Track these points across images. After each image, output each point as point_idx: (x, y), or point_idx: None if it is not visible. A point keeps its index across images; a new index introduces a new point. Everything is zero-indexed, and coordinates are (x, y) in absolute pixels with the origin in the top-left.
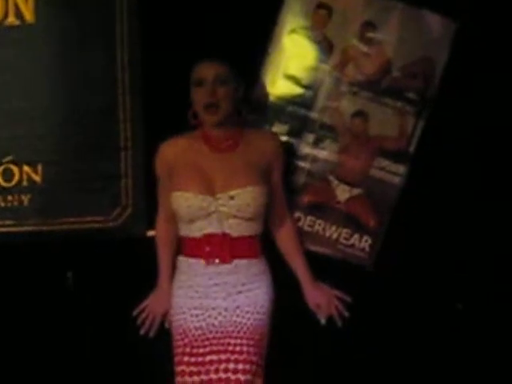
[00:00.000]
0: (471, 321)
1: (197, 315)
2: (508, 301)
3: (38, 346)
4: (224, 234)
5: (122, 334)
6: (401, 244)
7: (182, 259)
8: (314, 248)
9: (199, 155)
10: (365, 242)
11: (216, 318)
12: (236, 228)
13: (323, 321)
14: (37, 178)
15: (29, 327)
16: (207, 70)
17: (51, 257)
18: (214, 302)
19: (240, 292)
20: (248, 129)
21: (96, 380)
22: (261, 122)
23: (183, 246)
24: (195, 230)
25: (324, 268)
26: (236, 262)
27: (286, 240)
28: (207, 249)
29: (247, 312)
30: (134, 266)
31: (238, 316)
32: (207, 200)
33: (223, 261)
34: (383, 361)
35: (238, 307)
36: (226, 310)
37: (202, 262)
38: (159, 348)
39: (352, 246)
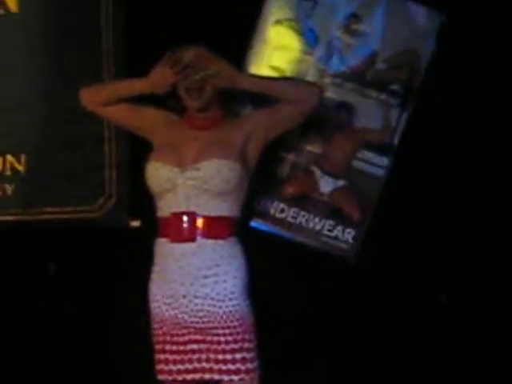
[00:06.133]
0: (454, 313)
1: (170, 303)
2: (491, 293)
3: (18, 337)
4: (190, 213)
5: (104, 324)
6: (384, 236)
7: (157, 241)
8: (297, 239)
9: (179, 131)
10: (348, 234)
11: (187, 307)
12: (204, 206)
13: None
14: (20, 168)
15: (10, 317)
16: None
17: (34, 247)
18: (182, 287)
19: (206, 277)
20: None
21: (78, 370)
22: (245, 111)
23: (159, 228)
24: (164, 208)
25: (307, 259)
26: (200, 241)
27: None
28: (174, 227)
29: (218, 300)
30: (117, 255)
31: (209, 305)
32: (174, 171)
33: (187, 239)
34: (366, 353)
35: (207, 295)
36: (196, 297)
37: (169, 241)
38: (142, 338)
39: (335, 237)
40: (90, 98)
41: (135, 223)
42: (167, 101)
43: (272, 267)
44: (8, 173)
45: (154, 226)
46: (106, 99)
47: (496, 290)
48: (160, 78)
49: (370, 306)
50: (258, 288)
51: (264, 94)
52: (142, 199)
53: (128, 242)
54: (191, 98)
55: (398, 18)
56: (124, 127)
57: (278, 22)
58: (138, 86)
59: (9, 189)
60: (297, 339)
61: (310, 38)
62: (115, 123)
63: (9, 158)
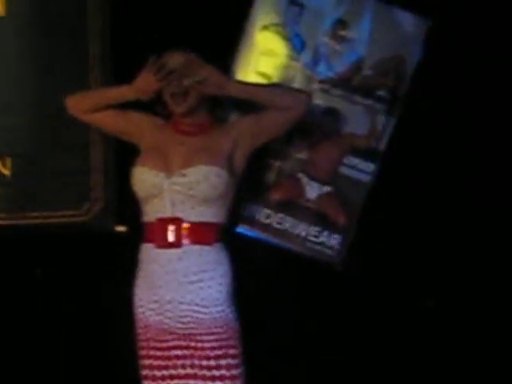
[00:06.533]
0: (441, 318)
1: (154, 309)
2: (479, 297)
3: (5, 343)
4: (176, 219)
5: (89, 328)
6: (370, 242)
7: (142, 246)
8: (283, 245)
9: (166, 136)
10: (334, 240)
11: (172, 312)
12: (189, 212)
13: None
14: (6, 172)
15: None
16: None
17: (20, 251)
18: (167, 293)
19: (192, 283)
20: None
21: (63, 374)
22: (231, 117)
23: (144, 233)
24: (150, 213)
25: (293, 265)
26: (185, 247)
27: None
28: (159, 233)
29: (203, 306)
30: (103, 260)
31: (194, 311)
32: (160, 176)
33: (173, 245)
34: (353, 360)
35: (192, 301)
36: (181, 303)
37: (154, 247)
38: (128, 342)
39: (321, 243)
40: (76, 105)
41: (121, 228)
42: (154, 106)
43: (258, 272)
44: None
45: (141, 231)
46: (91, 106)
47: (483, 293)
48: (144, 84)
49: (356, 312)
50: (243, 293)
51: (252, 101)
52: (128, 204)
53: (114, 246)
54: (176, 103)
55: (384, 25)
56: (110, 133)
57: (265, 27)
58: (122, 93)
59: None
60: (282, 345)
61: (296, 43)
62: (102, 129)
63: None
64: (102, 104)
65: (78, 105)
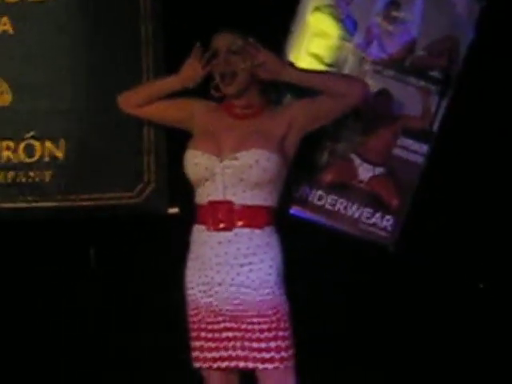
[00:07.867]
0: (493, 300)
1: (205, 291)
2: None
3: (60, 324)
4: (227, 202)
5: (140, 308)
6: (423, 223)
7: (194, 227)
8: (335, 226)
9: (218, 119)
10: (386, 222)
11: (223, 294)
12: (240, 195)
13: None
14: (59, 154)
15: (51, 304)
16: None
17: (73, 233)
18: (218, 275)
19: (242, 265)
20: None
21: (118, 355)
22: (283, 99)
23: (196, 215)
24: (202, 196)
25: (345, 246)
26: (236, 230)
27: None
28: (211, 216)
29: (253, 289)
30: (156, 242)
31: (244, 294)
32: (213, 160)
33: (224, 228)
34: (405, 341)
35: (242, 283)
36: (231, 285)
37: (205, 229)
38: (179, 325)
39: (374, 225)
40: (127, 101)
41: (174, 210)
42: (210, 90)
43: (310, 254)
44: (46, 159)
45: (193, 213)
46: (142, 100)
47: None
48: (190, 71)
49: (408, 293)
50: (295, 274)
51: (307, 87)
52: (180, 185)
53: (166, 228)
54: (224, 84)
55: (437, 5)
56: (164, 123)
57: (318, 8)
58: (170, 83)
59: (47, 175)
60: (335, 327)
61: (349, 24)
62: (155, 122)
63: (47, 144)
64: (152, 97)
65: (129, 101)
